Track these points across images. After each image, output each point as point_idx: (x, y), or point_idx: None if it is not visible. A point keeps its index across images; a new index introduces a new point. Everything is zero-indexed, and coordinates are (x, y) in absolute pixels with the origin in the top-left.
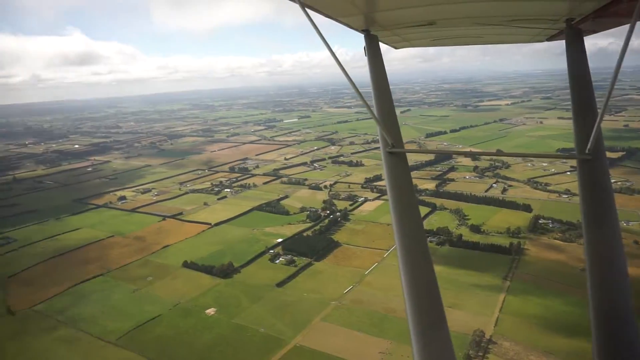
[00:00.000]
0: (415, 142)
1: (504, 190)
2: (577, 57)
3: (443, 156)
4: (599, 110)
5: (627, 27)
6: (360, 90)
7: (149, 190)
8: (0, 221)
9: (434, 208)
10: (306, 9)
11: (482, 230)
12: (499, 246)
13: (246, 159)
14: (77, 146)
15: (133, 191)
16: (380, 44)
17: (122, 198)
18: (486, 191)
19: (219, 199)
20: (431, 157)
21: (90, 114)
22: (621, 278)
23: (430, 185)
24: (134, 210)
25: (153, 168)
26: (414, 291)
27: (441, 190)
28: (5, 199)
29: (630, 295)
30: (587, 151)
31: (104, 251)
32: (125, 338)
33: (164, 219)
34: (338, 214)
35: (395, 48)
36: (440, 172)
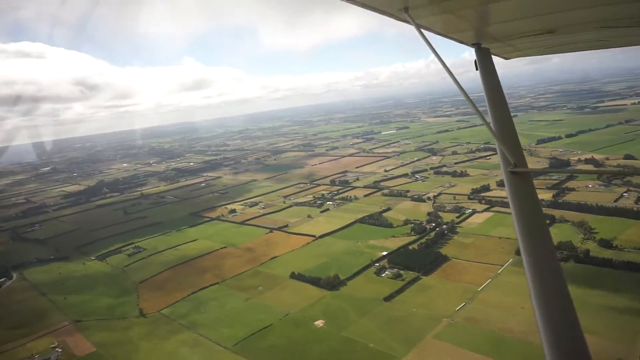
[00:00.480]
0: (525, 150)
1: (638, 200)
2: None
3: (559, 163)
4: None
5: None
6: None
7: (256, 204)
8: (132, 232)
9: (552, 220)
10: (421, 29)
11: (613, 245)
12: (638, 264)
13: (346, 171)
14: (192, 164)
15: (242, 204)
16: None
17: (233, 211)
18: (615, 201)
19: (321, 212)
20: (545, 164)
21: (202, 134)
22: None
23: (546, 196)
24: (243, 223)
25: (259, 182)
26: (550, 324)
27: (560, 201)
28: (136, 213)
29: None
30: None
31: (218, 261)
32: (240, 345)
33: (271, 231)
34: (444, 226)
35: (506, 59)
36: (557, 181)
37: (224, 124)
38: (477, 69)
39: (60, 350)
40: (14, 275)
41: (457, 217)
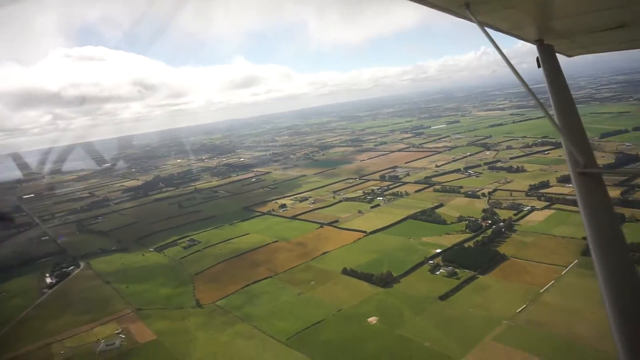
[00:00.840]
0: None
1: None
2: None
3: (626, 158)
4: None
5: None
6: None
7: (306, 199)
8: (188, 225)
9: (622, 219)
10: (483, 26)
11: None
12: None
13: (396, 167)
14: (242, 159)
15: (292, 199)
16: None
17: (283, 206)
18: None
19: (372, 207)
20: (611, 159)
21: (251, 130)
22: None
23: (614, 193)
24: (294, 218)
25: (308, 178)
26: (625, 330)
27: (630, 199)
28: (190, 207)
29: None
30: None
31: (271, 255)
32: (294, 339)
33: (321, 226)
34: (502, 224)
35: (569, 56)
36: (625, 177)
37: (271, 121)
38: (539, 66)
39: (123, 336)
40: (81, 264)
41: (515, 215)
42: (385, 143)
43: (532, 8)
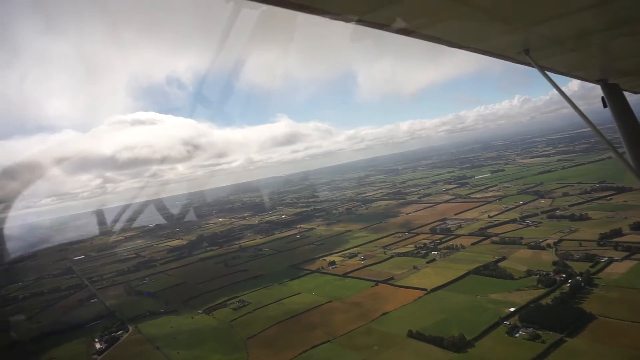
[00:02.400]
0: None
1: None
2: None
3: None
4: None
5: None
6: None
7: (355, 255)
8: (235, 285)
9: None
10: (545, 71)
11: None
12: None
13: (445, 219)
14: (284, 216)
15: (340, 256)
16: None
17: (332, 263)
18: None
19: (427, 262)
20: None
21: (290, 187)
22: None
23: None
24: (345, 275)
25: (354, 233)
26: None
27: None
28: (237, 265)
29: None
30: None
31: (326, 316)
32: None
33: (376, 284)
34: (579, 278)
35: (636, 93)
36: None
37: (309, 177)
38: (605, 106)
39: None
40: (130, 328)
41: (592, 267)
42: (429, 195)
43: (594, 50)
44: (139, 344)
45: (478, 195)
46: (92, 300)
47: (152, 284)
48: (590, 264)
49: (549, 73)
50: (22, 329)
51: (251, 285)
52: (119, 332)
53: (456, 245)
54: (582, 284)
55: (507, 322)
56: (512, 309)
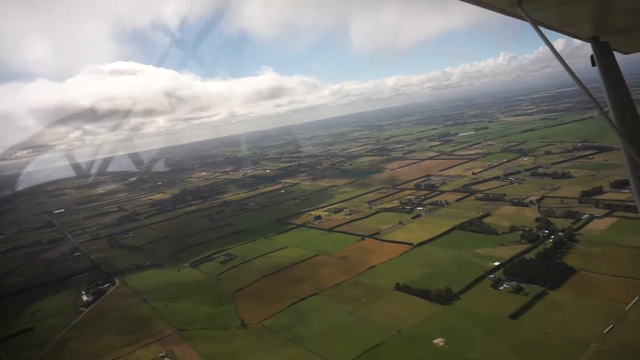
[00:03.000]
0: None
1: None
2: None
3: None
4: None
5: None
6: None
7: (340, 210)
8: (221, 239)
9: None
10: (538, 26)
11: None
12: None
13: (429, 175)
14: (268, 171)
15: (326, 211)
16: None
17: (318, 217)
18: None
19: (413, 218)
20: None
21: (273, 142)
22: None
23: None
24: (331, 230)
25: (339, 188)
26: None
27: None
28: (221, 219)
29: None
30: None
31: (313, 269)
32: None
33: (363, 239)
34: (561, 234)
35: (626, 53)
36: None
37: (292, 132)
38: (593, 65)
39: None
40: (116, 281)
41: (573, 224)
42: (413, 151)
43: (588, 4)
44: (126, 297)
45: (462, 153)
46: (75, 254)
47: (136, 238)
48: (572, 220)
49: (541, 28)
50: (3, 282)
51: (237, 239)
52: (106, 285)
53: (441, 202)
54: (565, 239)
55: (492, 276)
56: (496, 263)
